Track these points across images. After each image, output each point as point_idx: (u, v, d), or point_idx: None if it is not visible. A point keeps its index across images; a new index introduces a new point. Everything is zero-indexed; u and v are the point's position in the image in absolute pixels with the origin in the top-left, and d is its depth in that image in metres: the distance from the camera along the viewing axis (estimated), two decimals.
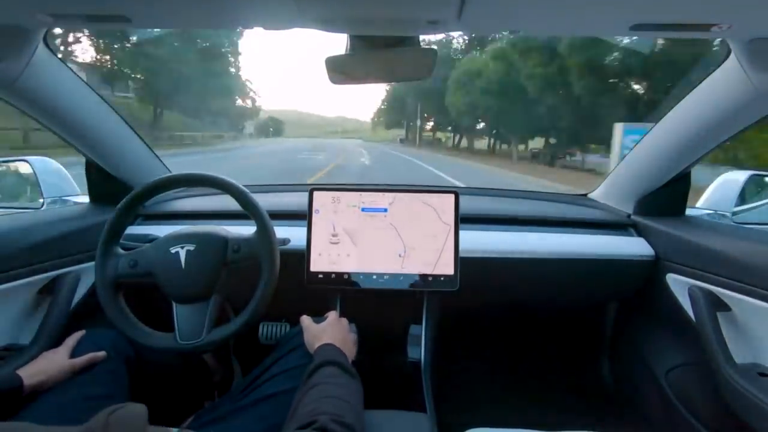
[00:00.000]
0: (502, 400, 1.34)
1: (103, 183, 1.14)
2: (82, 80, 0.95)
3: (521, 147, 19.98)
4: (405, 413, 0.79)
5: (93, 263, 0.84)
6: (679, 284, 1.01)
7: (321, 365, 0.66)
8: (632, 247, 1.12)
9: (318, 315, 0.86)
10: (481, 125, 22.79)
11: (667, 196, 1.13)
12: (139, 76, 20.61)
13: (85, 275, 0.99)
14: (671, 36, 0.66)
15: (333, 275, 0.99)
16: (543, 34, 0.79)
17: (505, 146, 22.62)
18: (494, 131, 22.04)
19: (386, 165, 15.38)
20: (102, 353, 0.78)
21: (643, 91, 12.74)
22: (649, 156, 1.11)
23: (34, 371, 0.72)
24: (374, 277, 0.99)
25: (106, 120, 1.05)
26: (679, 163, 1.04)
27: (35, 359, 0.77)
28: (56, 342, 0.82)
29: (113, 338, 0.83)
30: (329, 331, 0.78)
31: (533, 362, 1.47)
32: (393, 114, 47.81)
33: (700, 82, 0.90)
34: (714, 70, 0.85)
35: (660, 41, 9.72)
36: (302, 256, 0.99)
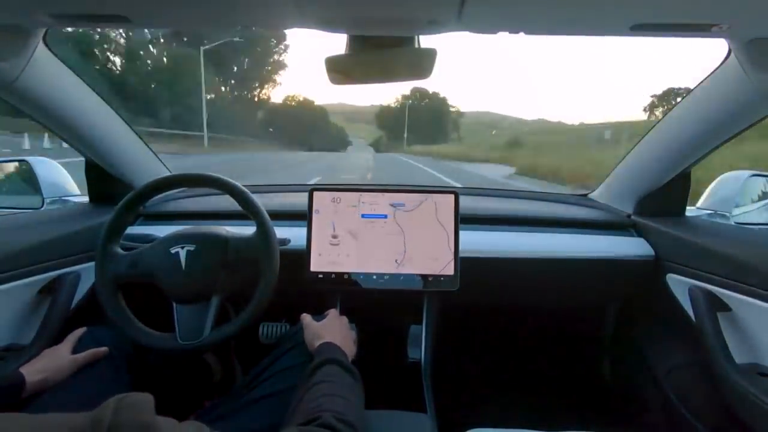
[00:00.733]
0: (502, 400, 1.34)
1: (103, 183, 1.14)
2: (82, 80, 0.95)
3: None
4: (405, 413, 0.79)
5: (93, 263, 0.84)
6: (679, 284, 1.01)
7: (322, 363, 0.66)
8: (632, 247, 1.12)
9: (318, 315, 0.86)
10: None
11: (667, 197, 1.13)
12: None
13: (86, 275, 0.99)
14: (671, 36, 0.66)
15: (333, 275, 0.99)
16: (543, 34, 0.78)
17: None
18: None
19: None
20: (104, 349, 0.78)
21: None
22: (649, 156, 1.11)
23: (36, 369, 0.72)
24: (374, 277, 0.99)
25: (106, 120, 1.05)
26: (679, 163, 1.04)
27: (37, 357, 0.77)
28: (56, 342, 0.81)
29: (114, 336, 0.83)
30: (329, 329, 0.78)
31: (533, 362, 1.47)
32: None
33: (700, 82, 0.90)
34: (714, 70, 0.85)
35: None
36: (302, 256, 0.99)
